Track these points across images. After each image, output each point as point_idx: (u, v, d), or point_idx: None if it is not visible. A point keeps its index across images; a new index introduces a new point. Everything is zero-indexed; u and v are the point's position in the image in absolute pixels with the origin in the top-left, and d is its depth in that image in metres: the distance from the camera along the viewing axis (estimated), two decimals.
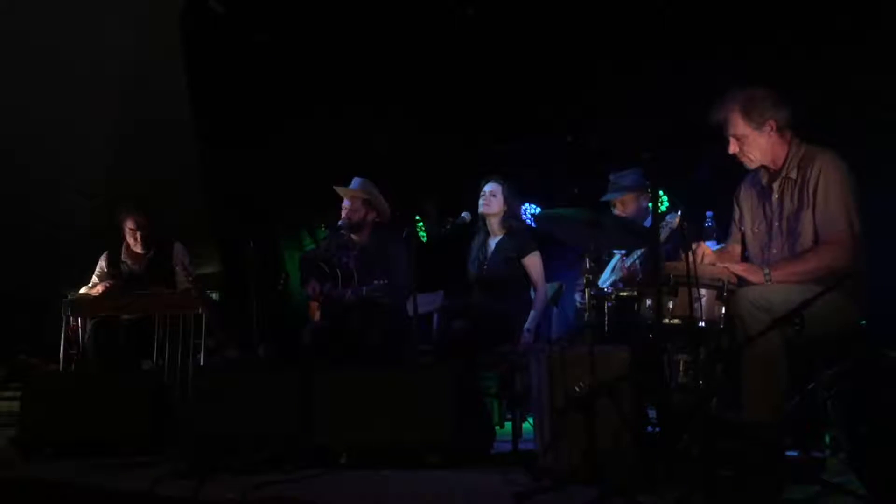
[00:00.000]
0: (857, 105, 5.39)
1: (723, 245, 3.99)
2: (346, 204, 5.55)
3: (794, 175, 3.63)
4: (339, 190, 5.59)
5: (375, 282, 5.04)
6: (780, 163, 3.68)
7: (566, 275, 5.68)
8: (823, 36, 5.72)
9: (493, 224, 5.40)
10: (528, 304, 5.23)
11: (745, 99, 3.65)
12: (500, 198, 5.34)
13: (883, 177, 3.90)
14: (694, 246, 3.55)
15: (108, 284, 5.79)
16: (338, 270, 5.40)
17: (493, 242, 5.40)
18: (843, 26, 5.62)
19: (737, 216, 3.94)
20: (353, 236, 5.54)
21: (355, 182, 5.58)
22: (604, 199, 5.21)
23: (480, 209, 5.36)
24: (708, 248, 3.70)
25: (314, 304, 5.53)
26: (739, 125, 3.65)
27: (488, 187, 5.36)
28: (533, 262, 5.25)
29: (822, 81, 5.36)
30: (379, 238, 5.51)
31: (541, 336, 5.19)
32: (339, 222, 5.50)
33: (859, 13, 5.52)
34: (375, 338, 5.08)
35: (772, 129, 3.63)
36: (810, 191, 3.56)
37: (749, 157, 3.70)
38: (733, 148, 3.69)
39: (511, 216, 5.39)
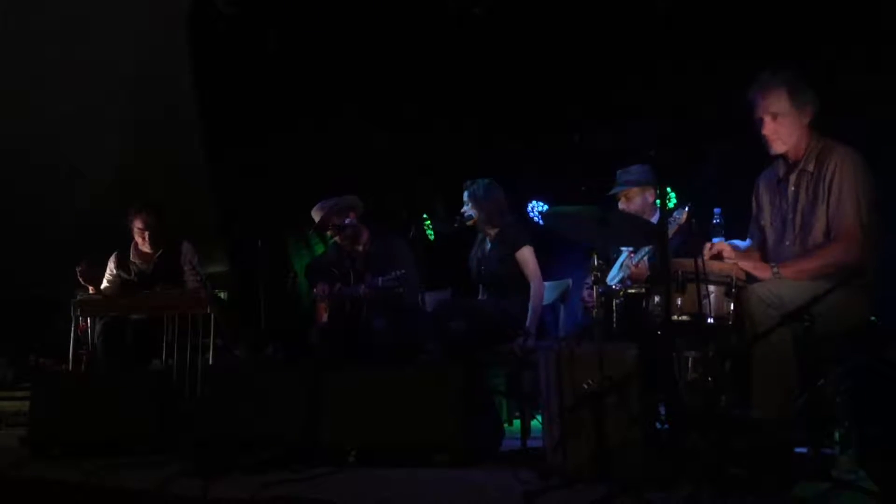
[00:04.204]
0: (857, 105, 5.36)
1: (748, 242, 3.92)
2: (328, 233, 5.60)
3: (811, 168, 3.60)
4: (318, 225, 5.60)
5: (393, 272, 5.00)
6: (799, 154, 3.64)
7: (574, 272, 5.66)
8: (825, 36, 5.69)
9: (483, 225, 5.30)
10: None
11: (794, 78, 3.60)
12: (469, 204, 5.24)
13: (883, 176, 3.87)
14: (712, 244, 3.54)
15: (112, 285, 5.82)
16: (350, 272, 5.39)
17: (488, 241, 5.35)
18: (844, 26, 5.60)
19: (755, 213, 3.88)
20: (356, 246, 5.56)
21: (314, 213, 5.56)
22: (609, 193, 5.19)
23: None
24: (726, 245, 3.63)
25: (322, 307, 5.52)
26: (784, 103, 3.57)
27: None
28: (525, 257, 5.11)
29: (822, 81, 5.34)
30: (382, 242, 5.51)
31: (549, 334, 5.16)
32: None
33: (860, 14, 5.50)
34: (387, 334, 5.05)
35: (809, 116, 3.59)
36: (826, 185, 3.53)
37: (781, 140, 3.61)
38: (768, 128, 3.61)
39: (496, 214, 5.26)
